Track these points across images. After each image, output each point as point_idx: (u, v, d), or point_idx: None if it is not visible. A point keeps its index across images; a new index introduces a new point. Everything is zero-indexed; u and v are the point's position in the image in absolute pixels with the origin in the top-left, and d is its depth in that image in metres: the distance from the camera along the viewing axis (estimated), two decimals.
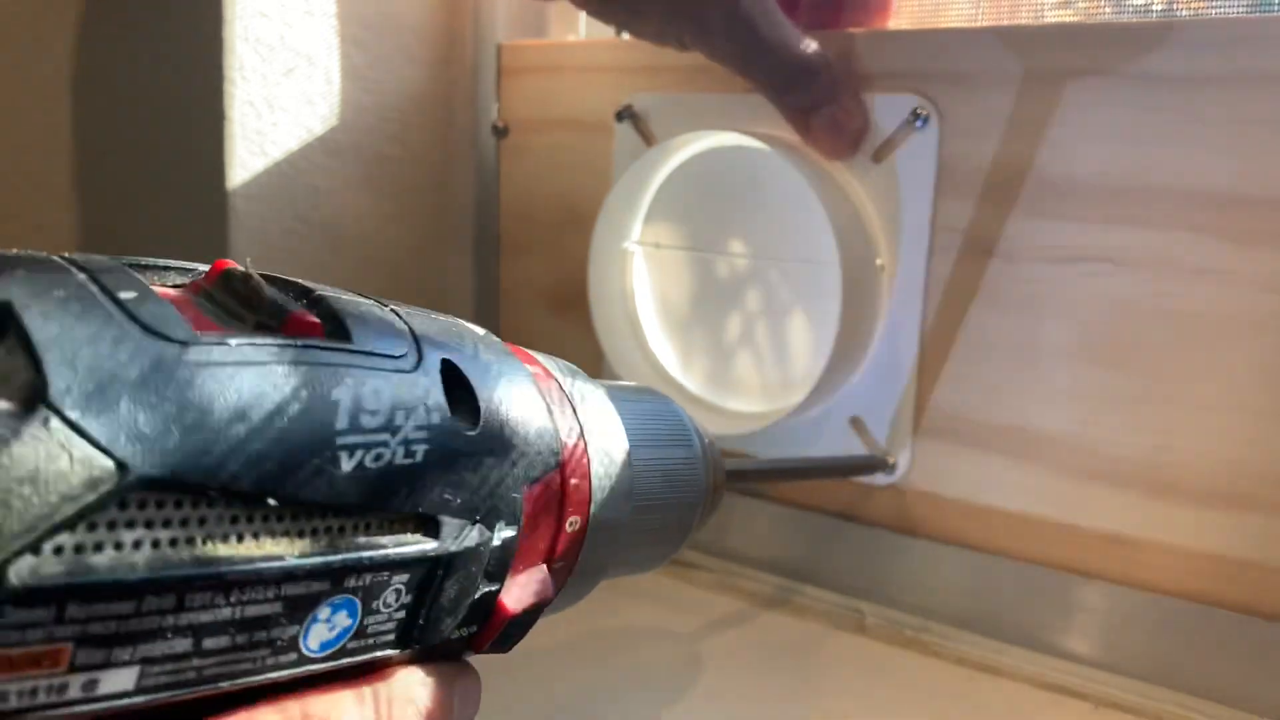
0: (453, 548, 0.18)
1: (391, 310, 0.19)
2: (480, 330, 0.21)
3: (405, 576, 0.18)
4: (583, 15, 0.57)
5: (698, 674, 0.40)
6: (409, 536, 0.18)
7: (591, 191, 0.51)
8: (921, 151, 0.41)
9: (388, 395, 0.17)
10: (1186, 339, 0.37)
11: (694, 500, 0.27)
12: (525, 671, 0.39)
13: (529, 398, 0.21)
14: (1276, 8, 0.41)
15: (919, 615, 0.44)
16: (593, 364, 0.52)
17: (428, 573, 0.18)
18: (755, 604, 0.46)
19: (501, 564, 0.20)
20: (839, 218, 0.41)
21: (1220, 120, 0.36)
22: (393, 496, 0.17)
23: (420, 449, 0.17)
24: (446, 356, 0.19)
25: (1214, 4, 0.42)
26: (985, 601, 0.42)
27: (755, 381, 0.47)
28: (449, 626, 0.20)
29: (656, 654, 0.41)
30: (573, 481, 0.21)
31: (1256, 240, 0.36)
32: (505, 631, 0.21)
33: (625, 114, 0.49)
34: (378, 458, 0.17)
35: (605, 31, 0.57)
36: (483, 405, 0.19)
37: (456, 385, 0.19)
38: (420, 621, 0.19)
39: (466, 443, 0.18)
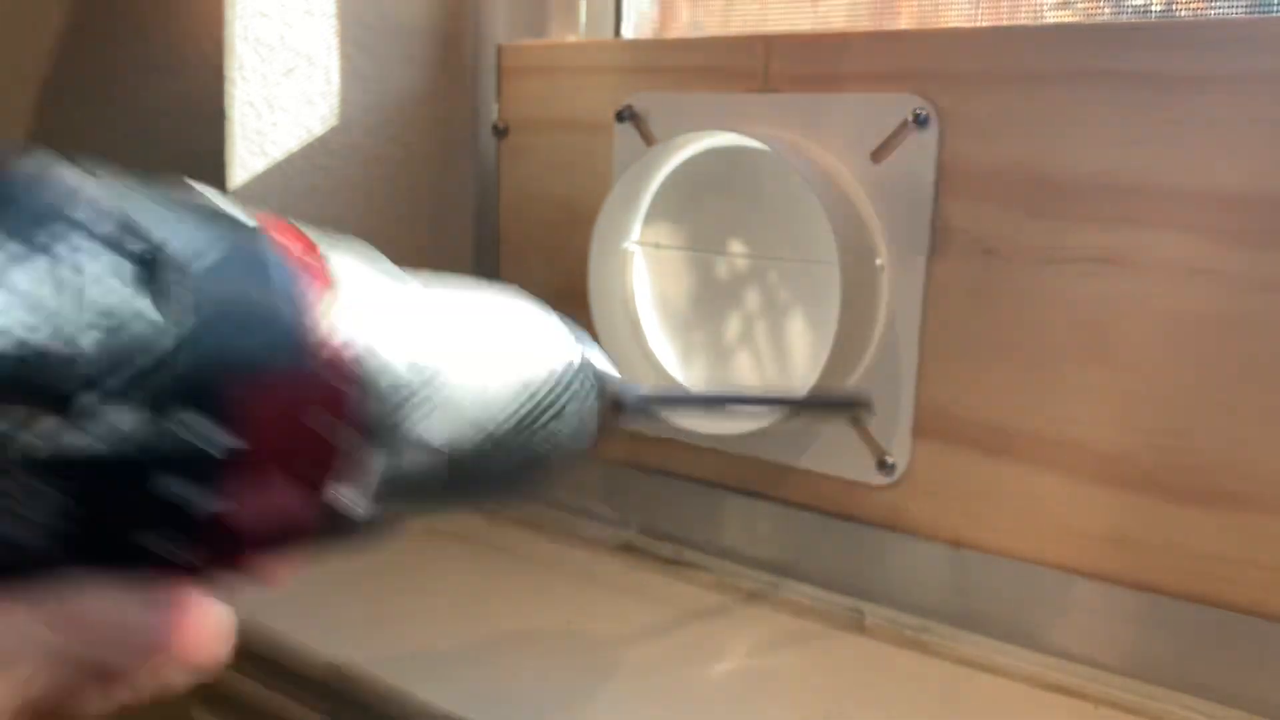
0: (129, 445, 0.16)
1: (95, 184, 0.18)
2: (250, 223, 0.19)
3: (69, 478, 0.16)
4: (583, 15, 0.57)
5: (696, 671, 0.40)
6: (65, 427, 0.16)
7: (591, 191, 0.51)
8: (921, 151, 0.41)
9: (49, 285, 0.16)
10: (1183, 338, 0.37)
11: (551, 419, 0.24)
12: (524, 670, 0.39)
13: (260, 288, 0.18)
14: (1275, 9, 0.41)
15: (918, 615, 0.44)
16: None
17: (98, 473, 0.16)
18: (755, 603, 0.46)
19: (211, 470, 0.17)
20: (839, 218, 0.41)
21: (1217, 121, 0.36)
22: (41, 383, 0.15)
23: (89, 336, 0.16)
24: (147, 246, 0.17)
25: (1212, 5, 0.42)
26: (984, 601, 0.42)
27: (755, 380, 0.47)
28: (153, 539, 0.17)
29: (655, 651, 0.41)
30: (335, 384, 0.19)
31: (1253, 240, 0.36)
32: (240, 553, 0.19)
33: (625, 114, 0.49)
34: (21, 344, 0.15)
35: (605, 32, 0.57)
36: (187, 293, 0.17)
37: (156, 270, 0.17)
38: (106, 529, 0.17)
39: (153, 329, 0.16)
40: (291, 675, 0.41)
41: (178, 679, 0.19)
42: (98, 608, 0.18)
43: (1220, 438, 0.37)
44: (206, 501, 0.17)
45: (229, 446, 0.17)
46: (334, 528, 0.20)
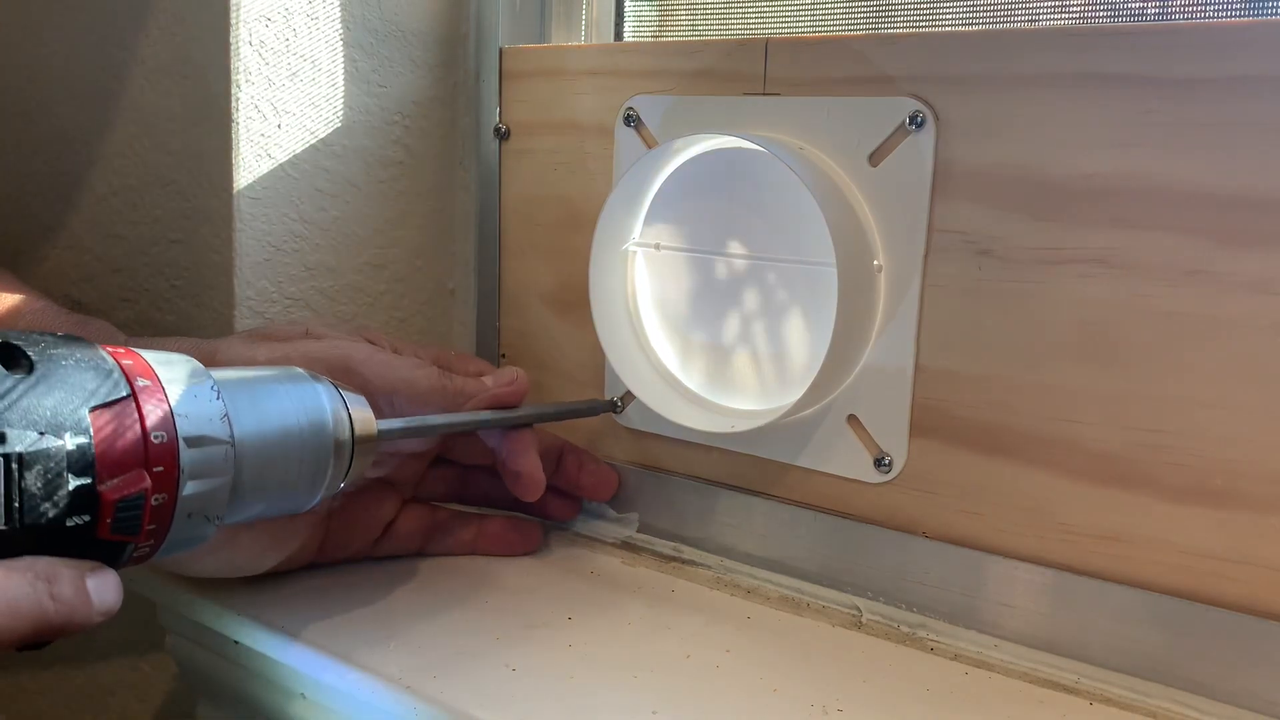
0: (18, 448, 0.28)
1: None
2: (73, 336, 0.32)
3: None
4: (584, 19, 0.58)
5: (694, 670, 0.40)
6: None
7: (592, 193, 0.52)
8: (918, 154, 0.42)
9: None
10: (1178, 339, 0.38)
11: (306, 440, 0.36)
12: (524, 666, 0.39)
13: (87, 358, 0.31)
14: (1271, 13, 0.41)
15: (915, 612, 0.44)
16: (593, 364, 0.53)
17: (6, 468, 0.27)
18: (752, 600, 0.46)
19: (84, 463, 0.29)
20: (837, 219, 0.41)
21: (1212, 123, 0.36)
22: None
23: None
24: (7, 340, 0.30)
25: (1208, 7, 0.43)
26: (980, 598, 0.43)
27: (753, 380, 0.47)
28: (52, 511, 0.28)
29: (654, 649, 0.41)
30: (148, 406, 0.31)
31: (1247, 242, 0.36)
32: (116, 518, 0.29)
33: (632, 119, 0.49)
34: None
35: (606, 35, 0.58)
36: (36, 361, 0.29)
37: (15, 355, 0.30)
38: (17, 504, 0.28)
39: (19, 384, 0.29)
40: (294, 672, 0.42)
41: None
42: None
43: (1216, 437, 0.37)
44: (83, 480, 0.29)
45: (85, 443, 0.29)
46: (196, 501, 0.32)
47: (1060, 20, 0.45)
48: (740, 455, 0.49)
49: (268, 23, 0.49)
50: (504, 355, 0.57)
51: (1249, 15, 0.42)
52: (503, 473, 0.46)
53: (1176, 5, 0.43)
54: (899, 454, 0.44)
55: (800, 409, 0.43)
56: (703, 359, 0.49)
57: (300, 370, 0.38)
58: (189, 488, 0.32)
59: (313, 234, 0.52)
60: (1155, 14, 0.44)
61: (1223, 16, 0.42)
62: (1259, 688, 0.37)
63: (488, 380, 0.46)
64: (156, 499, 0.31)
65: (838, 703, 0.38)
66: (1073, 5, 0.45)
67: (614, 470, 0.52)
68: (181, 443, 0.31)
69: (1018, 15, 0.46)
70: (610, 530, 0.53)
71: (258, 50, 0.48)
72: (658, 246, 0.49)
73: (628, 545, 0.52)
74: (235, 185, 0.49)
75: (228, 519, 0.34)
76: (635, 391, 0.47)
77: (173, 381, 0.32)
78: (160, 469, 0.31)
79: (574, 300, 0.53)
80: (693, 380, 0.49)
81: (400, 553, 0.48)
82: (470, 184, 0.58)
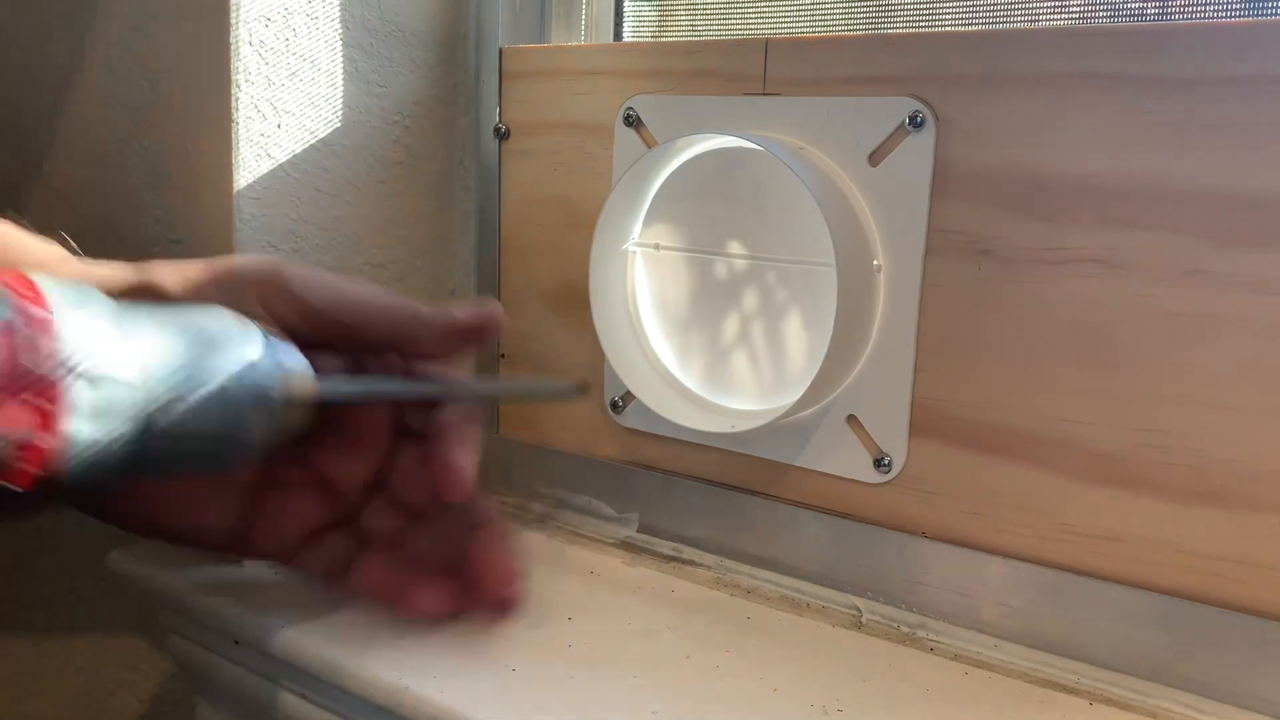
0: None
1: None
2: None
3: None
4: (583, 19, 0.58)
5: (694, 670, 0.40)
6: None
7: (592, 193, 0.52)
8: (918, 154, 0.42)
9: None
10: (1178, 339, 0.38)
11: (226, 387, 0.32)
12: (524, 666, 0.39)
13: None
14: (1272, 13, 0.41)
15: (915, 612, 0.44)
16: (593, 363, 0.53)
17: None
18: (752, 600, 0.46)
19: None
20: (836, 219, 0.41)
21: (1212, 123, 0.36)
22: None
23: None
24: None
25: (1208, 7, 0.43)
26: (980, 598, 0.43)
27: (753, 380, 0.47)
28: None
29: (654, 649, 0.41)
30: (32, 333, 0.27)
31: (1247, 242, 0.36)
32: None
33: (632, 119, 0.49)
34: None
35: (606, 35, 0.58)
36: None
37: None
38: None
39: None
40: (293, 672, 0.42)
41: None
42: None
43: (1216, 437, 0.37)
44: None
45: None
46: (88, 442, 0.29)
47: (1060, 20, 0.45)
48: (740, 455, 0.49)
49: (268, 23, 0.49)
50: (504, 355, 0.57)
51: (1249, 15, 0.42)
52: (430, 459, 0.38)
53: (1176, 5, 0.43)
54: (899, 454, 0.44)
55: (800, 409, 0.43)
56: (702, 359, 0.49)
57: (225, 311, 0.33)
58: (82, 427, 0.28)
59: (313, 234, 0.52)
60: (1155, 14, 0.44)
61: (1223, 16, 0.42)
62: (1259, 688, 0.37)
63: (455, 312, 0.39)
64: (41, 438, 0.27)
65: (838, 703, 0.38)
66: (1073, 5, 0.45)
67: (518, 572, 0.39)
68: (71, 377, 0.28)
69: (1018, 15, 0.46)
70: (610, 530, 0.53)
71: (258, 50, 0.48)
72: (657, 246, 0.49)
73: (628, 545, 0.52)
74: (235, 185, 0.49)
75: (137, 469, 0.31)
76: (635, 391, 0.47)
77: (67, 309, 0.29)
78: (45, 404, 0.27)
79: (574, 300, 0.53)
80: (692, 380, 0.49)
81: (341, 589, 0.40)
82: (470, 184, 0.58)
